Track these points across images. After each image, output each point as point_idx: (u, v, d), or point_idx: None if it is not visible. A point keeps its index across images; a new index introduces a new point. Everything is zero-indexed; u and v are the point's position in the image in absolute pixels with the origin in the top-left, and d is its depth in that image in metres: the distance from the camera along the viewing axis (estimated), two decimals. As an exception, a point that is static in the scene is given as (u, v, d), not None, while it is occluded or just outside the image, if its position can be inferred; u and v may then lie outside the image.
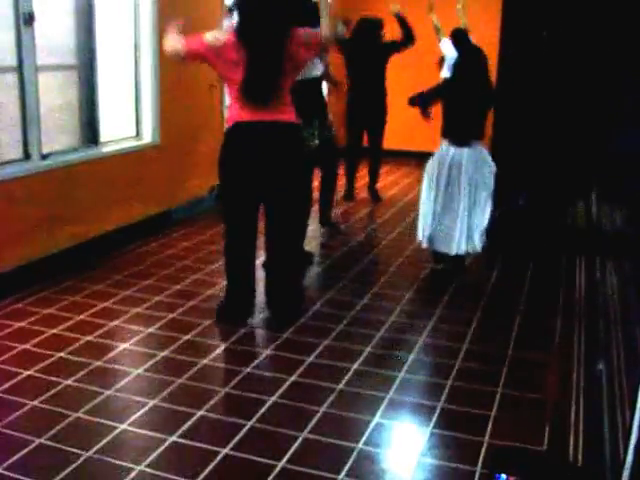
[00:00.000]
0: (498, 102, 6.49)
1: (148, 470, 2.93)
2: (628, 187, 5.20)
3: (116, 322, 4.37)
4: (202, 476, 2.90)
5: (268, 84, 4.05)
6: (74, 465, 2.94)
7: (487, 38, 8.39)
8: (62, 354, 3.92)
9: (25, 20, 4.74)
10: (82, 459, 2.98)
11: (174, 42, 4.09)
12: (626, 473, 2.49)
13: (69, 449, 3.05)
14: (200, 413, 3.37)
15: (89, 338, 4.13)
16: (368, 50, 7.49)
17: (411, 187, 8.53)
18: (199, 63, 4.24)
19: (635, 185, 4.70)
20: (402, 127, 9.04)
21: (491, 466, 2.96)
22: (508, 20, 8.31)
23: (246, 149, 4.13)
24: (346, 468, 2.98)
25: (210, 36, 4.04)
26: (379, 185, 8.21)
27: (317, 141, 5.68)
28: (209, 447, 3.10)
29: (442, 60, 8.53)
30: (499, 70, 7.96)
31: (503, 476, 2.75)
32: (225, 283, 4.54)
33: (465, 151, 5.19)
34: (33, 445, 3.07)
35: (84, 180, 5.40)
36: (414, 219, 6.68)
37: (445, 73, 8.36)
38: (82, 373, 3.71)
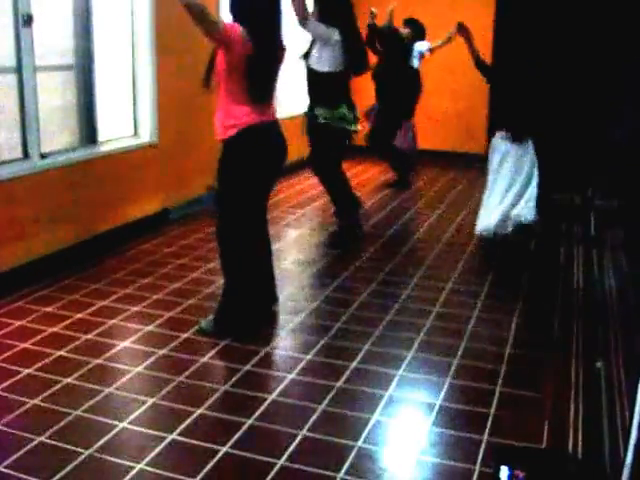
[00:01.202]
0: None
1: (148, 468, 2.94)
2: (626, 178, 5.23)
3: (115, 320, 4.37)
4: (201, 474, 2.91)
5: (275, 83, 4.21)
6: (74, 463, 2.95)
7: (481, 24, 8.55)
8: (61, 352, 3.92)
9: (24, 21, 4.75)
10: (82, 457, 2.99)
11: (208, 13, 3.76)
12: (626, 472, 2.50)
13: (69, 447, 3.05)
14: (199, 411, 3.38)
15: (88, 336, 4.14)
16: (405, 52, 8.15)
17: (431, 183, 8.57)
18: (217, 47, 3.94)
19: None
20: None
21: (495, 461, 2.97)
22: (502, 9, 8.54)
23: (273, 149, 4.21)
24: (345, 466, 2.99)
25: (240, 29, 3.86)
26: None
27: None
28: (208, 445, 3.11)
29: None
30: (494, 57, 8.26)
31: (506, 470, 2.76)
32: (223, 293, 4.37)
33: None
34: (33, 443, 3.07)
35: (83, 179, 5.40)
36: (416, 214, 6.71)
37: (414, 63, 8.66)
38: (81, 371, 3.72)
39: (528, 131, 5.76)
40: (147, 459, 3.00)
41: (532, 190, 5.72)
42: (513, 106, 5.80)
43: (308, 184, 8.14)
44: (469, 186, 8.52)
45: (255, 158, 4.06)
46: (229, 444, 3.12)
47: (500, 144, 5.83)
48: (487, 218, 5.76)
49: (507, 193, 5.71)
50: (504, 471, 2.78)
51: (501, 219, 5.65)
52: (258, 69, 3.95)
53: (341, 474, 2.94)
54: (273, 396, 3.54)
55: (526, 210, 5.64)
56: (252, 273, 4.31)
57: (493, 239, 5.81)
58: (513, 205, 5.66)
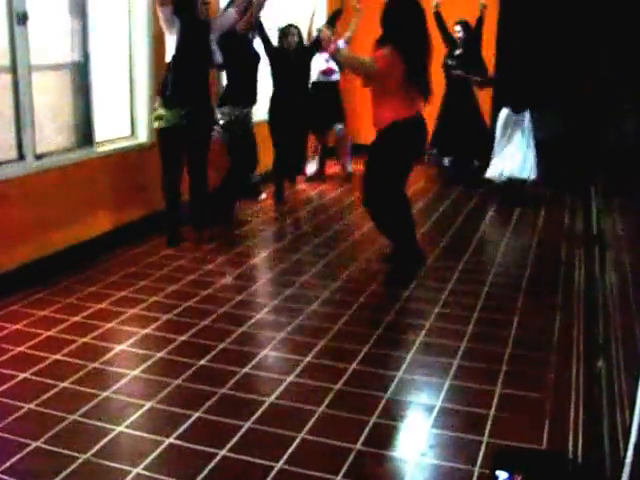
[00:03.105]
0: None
1: (145, 473, 2.91)
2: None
3: (112, 323, 4.34)
4: (199, 478, 2.89)
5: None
6: (70, 468, 2.92)
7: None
8: (58, 356, 3.90)
9: (19, 20, 4.71)
10: (79, 462, 2.96)
11: (363, 62, 5.08)
12: (626, 472, 2.48)
13: (66, 452, 3.03)
14: (197, 414, 3.35)
15: (85, 340, 4.11)
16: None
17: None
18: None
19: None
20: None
21: (493, 464, 2.95)
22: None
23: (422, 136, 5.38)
24: (344, 469, 2.97)
25: (387, 52, 4.88)
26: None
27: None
28: (206, 449, 3.08)
29: None
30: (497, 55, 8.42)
31: (504, 474, 2.74)
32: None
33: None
34: (29, 448, 3.05)
35: (79, 180, 5.37)
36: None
37: None
38: (78, 375, 3.69)
39: (525, 105, 7.63)
40: (144, 463, 2.97)
41: (531, 154, 7.62)
42: (514, 87, 7.69)
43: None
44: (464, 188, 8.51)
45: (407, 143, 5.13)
46: (227, 447, 3.09)
47: (504, 115, 7.69)
48: (496, 167, 7.74)
49: (512, 150, 7.62)
50: (502, 476, 2.76)
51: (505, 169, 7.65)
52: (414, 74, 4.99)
53: (340, 476, 2.92)
54: (271, 399, 3.51)
55: (527, 168, 7.58)
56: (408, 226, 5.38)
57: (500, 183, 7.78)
58: (514, 161, 7.59)
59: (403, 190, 5.36)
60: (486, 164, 8.00)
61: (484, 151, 8.18)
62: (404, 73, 4.91)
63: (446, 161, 9.06)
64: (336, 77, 8.36)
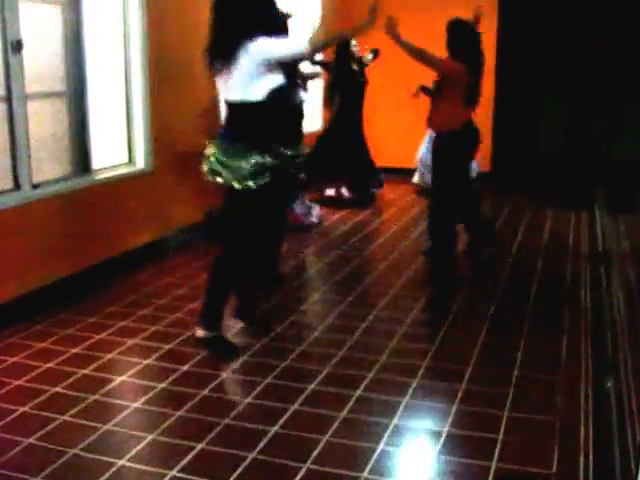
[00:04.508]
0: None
1: (148, 508, 2.86)
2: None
3: (112, 354, 4.28)
4: (204, 513, 2.83)
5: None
6: (71, 505, 2.86)
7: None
8: (57, 389, 3.83)
9: (13, 48, 4.68)
10: (80, 499, 2.91)
11: (429, 53, 5.75)
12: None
13: (66, 488, 2.97)
14: (200, 446, 3.29)
15: (85, 371, 4.05)
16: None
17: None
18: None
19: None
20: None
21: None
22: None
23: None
24: (352, 499, 2.91)
25: (458, 64, 5.80)
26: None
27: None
28: (210, 482, 3.02)
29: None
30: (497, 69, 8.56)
31: None
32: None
33: None
34: (29, 485, 2.98)
35: (76, 209, 5.33)
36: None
37: None
38: (78, 408, 3.63)
39: None
40: (147, 499, 2.91)
41: None
42: None
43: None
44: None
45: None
46: (231, 479, 3.04)
47: None
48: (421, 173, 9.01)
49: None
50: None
51: None
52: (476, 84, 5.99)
53: (348, 508, 2.86)
54: (276, 428, 3.45)
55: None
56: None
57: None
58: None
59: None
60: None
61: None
62: (465, 85, 5.83)
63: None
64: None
